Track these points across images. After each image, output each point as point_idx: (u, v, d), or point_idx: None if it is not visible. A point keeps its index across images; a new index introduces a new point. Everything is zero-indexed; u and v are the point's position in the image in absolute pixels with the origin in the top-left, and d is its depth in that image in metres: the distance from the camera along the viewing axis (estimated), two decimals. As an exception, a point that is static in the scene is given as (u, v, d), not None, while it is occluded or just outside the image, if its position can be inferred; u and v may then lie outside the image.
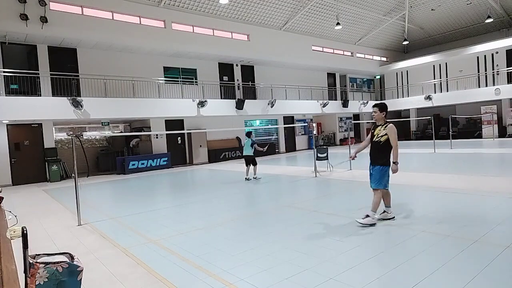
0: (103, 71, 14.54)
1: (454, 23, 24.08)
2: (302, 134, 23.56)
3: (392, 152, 4.77)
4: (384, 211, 4.99)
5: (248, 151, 10.58)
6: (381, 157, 4.80)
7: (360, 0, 20.56)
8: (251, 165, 10.63)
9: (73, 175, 7.50)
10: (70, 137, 14.48)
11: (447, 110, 23.55)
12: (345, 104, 23.56)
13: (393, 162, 4.75)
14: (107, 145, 17.79)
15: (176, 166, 16.91)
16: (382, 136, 4.78)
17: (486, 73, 22.00)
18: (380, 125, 4.87)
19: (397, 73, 26.87)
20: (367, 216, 4.72)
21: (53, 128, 14.60)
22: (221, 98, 18.46)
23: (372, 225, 4.68)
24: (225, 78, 19.31)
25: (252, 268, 3.56)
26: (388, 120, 4.94)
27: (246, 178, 10.50)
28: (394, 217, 4.99)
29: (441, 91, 23.85)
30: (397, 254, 3.69)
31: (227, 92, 18.95)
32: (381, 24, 23.76)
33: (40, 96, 13.09)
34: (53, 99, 12.81)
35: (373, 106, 4.95)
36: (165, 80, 16.67)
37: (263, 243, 4.36)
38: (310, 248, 4.05)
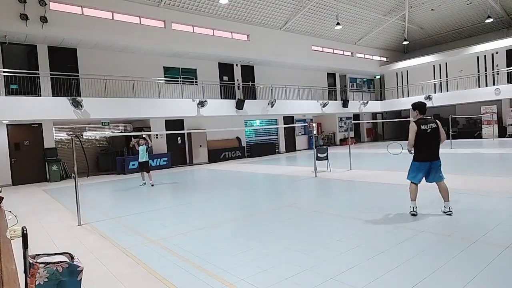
0: (103, 71, 14.53)
1: (454, 23, 24.07)
2: (302, 134, 23.54)
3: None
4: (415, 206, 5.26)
5: (144, 157, 10.51)
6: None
7: (360, 0, 20.56)
8: (145, 172, 10.67)
9: (73, 175, 7.50)
10: (70, 137, 14.48)
11: (447, 110, 23.53)
12: (345, 104, 23.55)
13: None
14: (107, 145, 17.79)
15: (176, 166, 16.90)
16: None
17: (486, 73, 21.99)
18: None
19: (397, 73, 26.86)
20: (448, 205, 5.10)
21: (53, 128, 14.59)
22: (221, 98, 18.46)
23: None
24: (225, 78, 19.31)
25: (252, 268, 3.56)
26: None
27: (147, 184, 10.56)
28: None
29: (441, 91, 23.84)
30: (397, 254, 3.69)
31: (227, 92, 18.94)
32: (381, 24, 23.75)
33: (40, 96, 13.08)
34: (53, 99, 12.81)
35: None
36: (165, 80, 16.66)
37: (263, 243, 4.36)
38: (310, 248, 4.04)
